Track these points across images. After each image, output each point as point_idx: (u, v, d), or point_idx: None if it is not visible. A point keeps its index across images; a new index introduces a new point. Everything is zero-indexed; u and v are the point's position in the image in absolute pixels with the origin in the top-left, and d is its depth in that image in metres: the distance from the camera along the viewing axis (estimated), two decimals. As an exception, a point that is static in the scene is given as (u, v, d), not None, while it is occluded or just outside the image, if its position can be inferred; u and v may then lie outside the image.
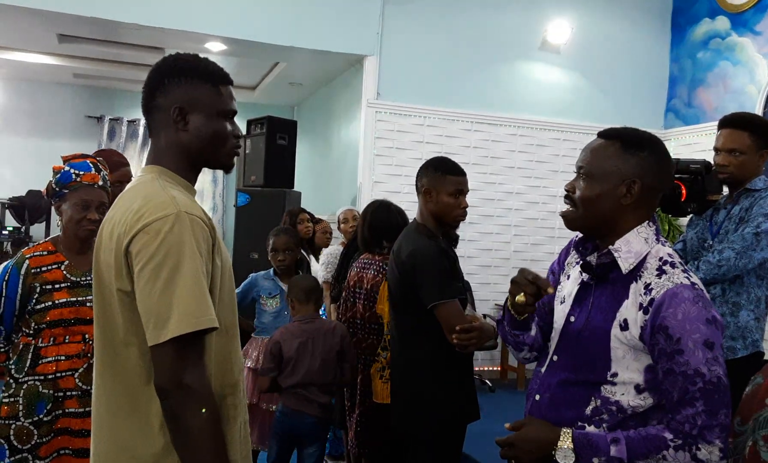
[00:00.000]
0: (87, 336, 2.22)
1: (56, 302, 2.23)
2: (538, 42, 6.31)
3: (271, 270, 3.51)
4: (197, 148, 1.46)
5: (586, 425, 1.50)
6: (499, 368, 6.27)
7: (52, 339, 2.22)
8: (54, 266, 2.28)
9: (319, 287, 3.17)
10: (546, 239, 6.34)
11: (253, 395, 3.27)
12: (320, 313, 3.28)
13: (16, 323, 2.24)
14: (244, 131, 6.03)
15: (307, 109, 8.91)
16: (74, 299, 2.25)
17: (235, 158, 1.56)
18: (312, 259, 4.49)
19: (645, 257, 1.50)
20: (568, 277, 1.68)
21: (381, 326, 3.02)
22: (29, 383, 2.19)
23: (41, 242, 2.38)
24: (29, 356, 2.21)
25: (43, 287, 2.23)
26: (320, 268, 4.46)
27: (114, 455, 1.39)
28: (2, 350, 2.27)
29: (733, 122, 2.69)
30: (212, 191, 9.09)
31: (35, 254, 2.28)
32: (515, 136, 6.27)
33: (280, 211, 4.92)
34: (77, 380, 2.23)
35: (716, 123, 2.79)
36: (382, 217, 3.23)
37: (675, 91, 6.57)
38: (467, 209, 2.58)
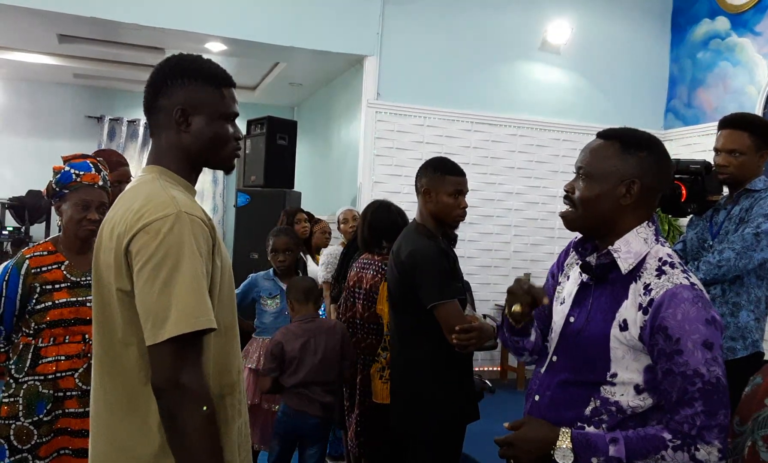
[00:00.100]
0: (87, 336, 2.22)
1: (56, 302, 2.23)
2: (538, 42, 6.31)
3: (271, 270, 3.51)
4: (198, 149, 1.47)
5: (585, 425, 1.50)
6: (498, 369, 6.27)
7: (52, 339, 2.22)
8: (54, 266, 2.28)
9: (318, 287, 3.18)
10: (546, 239, 6.34)
11: (255, 395, 3.27)
12: (320, 313, 3.28)
13: (16, 323, 2.25)
14: (244, 131, 6.03)
15: (307, 110, 8.91)
16: (74, 299, 2.25)
17: (235, 159, 1.56)
18: (308, 259, 4.48)
19: (644, 258, 1.50)
20: (568, 278, 1.68)
21: (380, 326, 3.03)
22: (29, 383, 2.19)
23: (41, 242, 2.38)
24: (29, 356, 2.21)
25: (43, 287, 2.23)
26: (320, 268, 4.46)
27: (112, 455, 1.39)
28: (2, 350, 2.27)
29: (733, 123, 2.69)
30: (212, 191, 9.09)
31: (35, 254, 2.28)
32: (515, 136, 6.27)
33: (280, 212, 4.91)
34: (77, 380, 2.23)
35: (716, 123, 2.79)
36: (382, 217, 3.24)
37: (675, 92, 6.58)
38: (467, 210, 2.58)
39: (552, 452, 1.46)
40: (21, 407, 2.17)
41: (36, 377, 2.20)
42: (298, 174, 6.14)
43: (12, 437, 2.16)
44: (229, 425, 1.44)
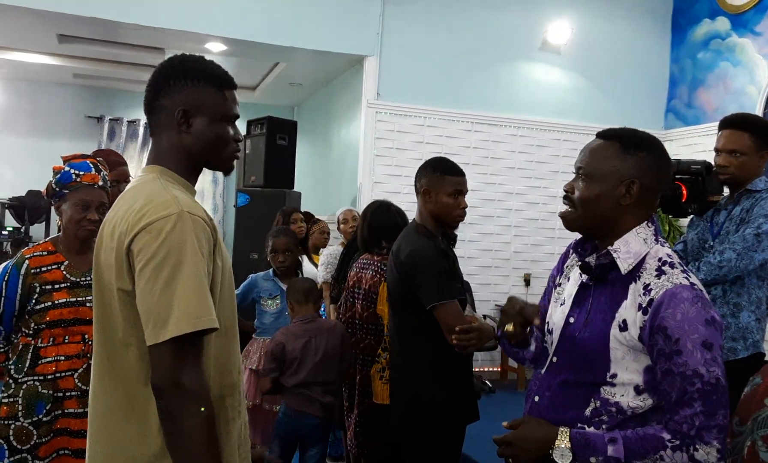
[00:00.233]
0: (86, 336, 2.22)
1: (56, 302, 2.23)
2: (538, 42, 6.31)
3: (271, 271, 3.51)
4: (199, 150, 1.47)
5: (585, 426, 1.50)
6: (499, 369, 6.27)
7: (51, 339, 2.22)
8: (54, 266, 2.27)
9: (317, 287, 3.18)
10: (546, 239, 6.33)
11: (256, 396, 3.27)
12: (321, 314, 3.28)
13: (15, 323, 2.24)
14: (244, 131, 6.03)
15: (307, 110, 8.91)
16: (74, 299, 2.25)
17: (235, 160, 1.56)
18: (304, 259, 4.48)
19: (644, 258, 1.50)
20: (568, 279, 1.68)
21: (379, 326, 3.03)
22: (29, 383, 2.19)
23: (41, 242, 2.38)
24: (29, 357, 2.21)
25: (43, 287, 2.23)
26: (320, 268, 4.45)
27: (111, 455, 1.38)
28: (2, 350, 2.27)
29: (733, 123, 2.69)
30: (212, 191, 9.09)
31: (35, 254, 2.28)
32: (515, 136, 6.27)
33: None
34: (77, 381, 2.22)
35: (716, 124, 2.78)
36: (381, 217, 3.23)
37: (675, 92, 6.57)
38: (466, 210, 2.58)
39: (551, 451, 1.46)
40: (20, 408, 2.17)
41: (35, 378, 2.19)
42: (298, 174, 6.14)
43: (11, 438, 2.15)
44: (229, 425, 1.44)
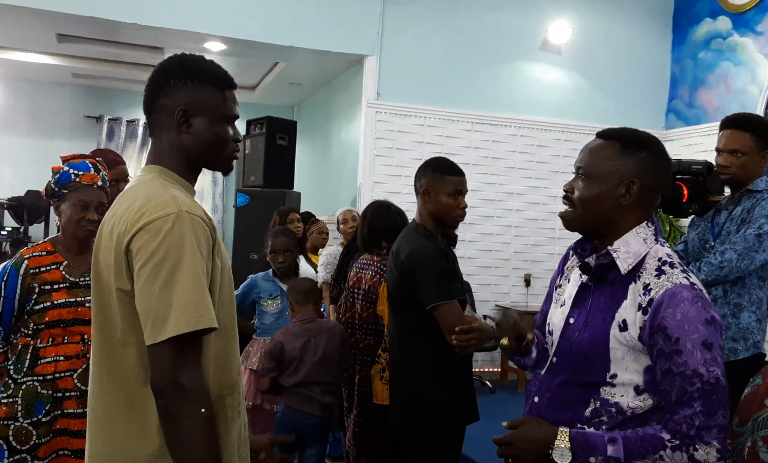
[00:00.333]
0: (86, 337, 2.22)
1: (55, 302, 2.23)
2: (538, 42, 6.31)
3: (270, 271, 3.51)
4: (198, 150, 1.46)
5: (585, 427, 1.49)
6: (499, 369, 6.26)
7: (50, 340, 2.22)
8: (53, 267, 2.27)
9: (317, 288, 3.18)
10: (546, 239, 6.33)
11: (256, 396, 3.26)
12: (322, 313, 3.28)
13: (14, 323, 2.24)
14: (243, 131, 6.02)
15: (307, 110, 8.91)
16: (73, 299, 2.25)
17: (234, 161, 1.56)
18: (301, 259, 4.47)
19: (644, 258, 1.50)
20: (568, 280, 1.68)
21: (379, 326, 3.02)
22: (28, 383, 2.19)
23: (40, 242, 2.38)
24: (28, 357, 2.21)
25: (42, 287, 2.23)
26: (320, 268, 4.45)
27: (109, 455, 1.38)
28: (1, 350, 2.27)
29: (735, 123, 2.69)
30: (212, 192, 9.09)
31: (34, 254, 2.28)
32: (516, 136, 6.26)
33: (279, 212, 4.90)
34: (76, 381, 2.22)
35: (717, 124, 2.78)
36: (381, 217, 3.23)
37: (676, 92, 6.57)
38: (466, 210, 2.58)
39: (550, 451, 1.45)
40: (20, 408, 2.17)
41: (35, 378, 2.19)
42: (297, 174, 6.14)
43: (11, 438, 2.15)
44: (229, 425, 1.43)
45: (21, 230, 7.58)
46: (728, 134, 2.67)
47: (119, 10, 5.20)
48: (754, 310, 2.60)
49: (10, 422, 2.16)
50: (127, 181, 2.78)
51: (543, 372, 1.64)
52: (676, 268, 1.46)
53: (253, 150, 5.93)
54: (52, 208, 2.39)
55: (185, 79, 1.44)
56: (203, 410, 1.27)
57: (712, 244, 2.69)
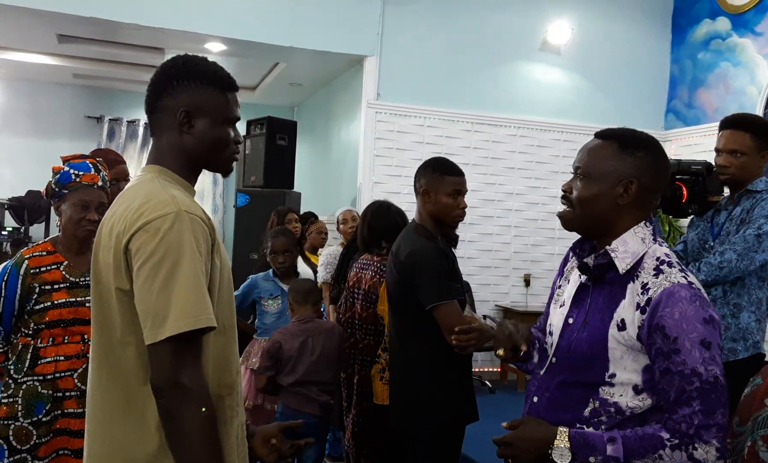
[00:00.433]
0: (86, 336, 2.22)
1: (55, 302, 2.23)
2: (538, 43, 6.31)
3: (271, 271, 3.51)
4: (199, 151, 1.47)
5: (584, 427, 1.49)
6: (499, 369, 6.26)
7: (51, 339, 2.22)
8: (53, 267, 2.27)
9: (317, 289, 3.19)
10: (546, 240, 6.33)
11: (257, 396, 3.27)
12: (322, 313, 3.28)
13: (15, 323, 2.24)
14: (243, 132, 6.03)
15: (307, 110, 8.91)
16: (73, 299, 2.25)
17: (234, 163, 1.56)
18: (299, 259, 4.47)
19: (642, 257, 1.50)
20: (568, 281, 1.69)
21: (379, 326, 3.02)
22: (28, 383, 2.19)
23: (40, 242, 2.38)
24: (28, 357, 2.21)
25: (42, 287, 2.23)
26: (319, 268, 4.45)
27: (109, 455, 1.38)
28: (1, 350, 2.27)
29: (734, 123, 2.69)
30: (212, 192, 9.09)
31: (34, 254, 2.28)
32: (515, 137, 6.27)
33: (279, 213, 4.90)
34: (76, 381, 2.22)
35: (717, 124, 2.78)
36: (381, 217, 3.23)
37: (675, 92, 6.57)
38: (466, 210, 2.58)
39: (550, 451, 1.45)
40: (20, 408, 2.17)
41: (35, 378, 2.19)
42: (297, 174, 6.14)
43: (11, 438, 2.15)
44: (227, 425, 1.43)
45: (21, 230, 7.58)
46: (728, 135, 2.67)
47: (119, 11, 5.20)
48: (754, 310, 2.60)
49: (10, 422, 2.16)
50: (127, 180, 2.79)
51: (542, 372, 1.65)
52: (674, 267, 1.46)
53: (253, 150, 5.94)
54: (52, 209, 2.40)
55: (188, 80, 1.44)
56: (204, 410, 1.27)
57: (712, 244, 2.69)
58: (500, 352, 1.71)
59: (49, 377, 2.20)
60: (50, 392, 2.20)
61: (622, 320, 1.47)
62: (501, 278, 6.26)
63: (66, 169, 2.30)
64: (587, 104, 6.43)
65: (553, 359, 1.61)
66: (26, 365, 2.20)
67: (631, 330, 1.45)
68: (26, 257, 2.26)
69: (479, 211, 6.00)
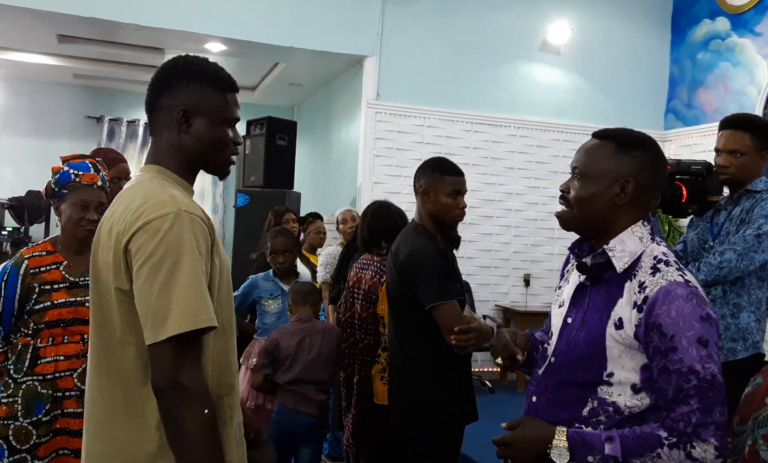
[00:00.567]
0: (85, 336, 2.22)
1: (55, 302, 2.23)
2: (538, 43, 6.31)
3: (271, 271, 3.51)
4: (197, 151, 1.47)
5: (583, 426, 1.50)
6: (498, 369, 6.26)
7: (50, 339, 2.22)
8: (53, 266, 2.27)
9: (317, 290, 3.19)
10: (546, 240, 6.33)
11: (258, 396, 3.27)
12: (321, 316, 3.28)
13: (14, 323, 2.24)
14: (243, 132, 6.03)
15: (306, 110, 8.91)
16: (73, 299, 2.25)
17: (231, 164, 1.56)
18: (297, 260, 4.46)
19: (640, 256, 1.50)
20: (568, 282, 1.69)
21: (378, 327, 3.02)
22: (28, 383, 2.19)
23: (40, 242, 2.39)
24: (28, 357, 2.21)
25: (42, 287, 2.23)
26: (319, 268, 4.45)
27: (108, 455, 1.38)
28: (1, 350, 2.27)
29: (734, 123, 2.69)
30: (212, 192, 9.09)
31: (34, 254, 2.28)
32: (515, 137, 6.27)
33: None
34: (76, 380, 2.23)
35: (716, 124, 2.78)
36: (381, 217, 3.23)
37: (675, 92, 6.57)
38: (466, 210, 2.58)
39: (548, 451, 1.46)
40: (20, 408, 2.17)
41: (35, 377, 2.20)
42: (297, 174, 6.14)
43: (11, 438, 2.16)
44: (227, 425, 1.44)
45: (21, 230, 7.59)
46: (727, 135, 2.67)
47: (119, 11, 5.20)
48: (753, 310, 2.60)
49: (10, 422, 2.16)
50: (128, 178, 2.79)
51: (541, 372, 1.65)
52: (671, 266, 1.46)
53: (253, 150, 5.94)
54: (52, 209, 2.40)
55: (188, 80, 1.45)
56: (206, 411, 1.27)
57: (711, 244, 2.69)
58: (498, 361, 1.73)
59: (48, 376, 2.20)
60: (50, 391, 2.20)
61: (620, 319, 1.47)
62: (501, 278, 6.26)
63: (65, 169, 2.30)
64: (587, 104, 6.43)
65: (552, 359, 1.62)
66: (26, 364, 2.20)
67: (629, 329, 1.45)
68: (26, 256, 2.27)
69: (479, 211, 6.00)
